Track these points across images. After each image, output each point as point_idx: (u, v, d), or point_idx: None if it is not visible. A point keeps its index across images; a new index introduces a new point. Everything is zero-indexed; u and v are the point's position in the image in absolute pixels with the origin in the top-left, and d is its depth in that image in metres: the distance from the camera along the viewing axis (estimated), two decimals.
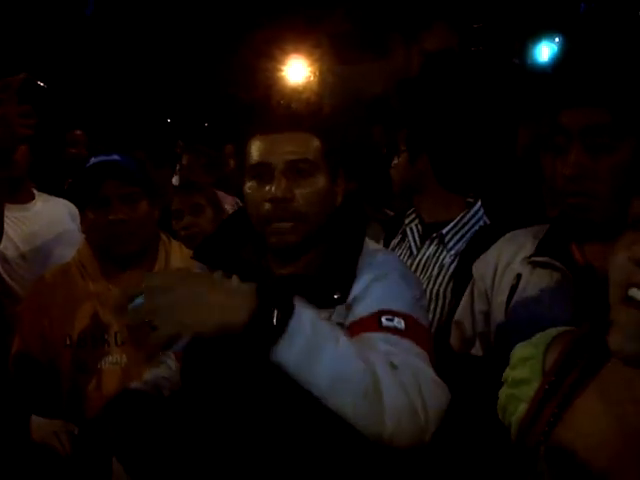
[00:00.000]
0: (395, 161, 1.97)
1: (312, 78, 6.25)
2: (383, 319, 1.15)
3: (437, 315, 1.83)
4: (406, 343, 1.12)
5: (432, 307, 1.83)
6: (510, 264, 1.39)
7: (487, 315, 1.44)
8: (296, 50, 5.86)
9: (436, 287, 1.85)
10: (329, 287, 1.23)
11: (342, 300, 1.22)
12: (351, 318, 1.19)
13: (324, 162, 1.27)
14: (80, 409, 1.64)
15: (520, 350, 0.88)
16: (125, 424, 1.24)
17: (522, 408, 0.82)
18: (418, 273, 1.88)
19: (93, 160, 1.73)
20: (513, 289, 1.35)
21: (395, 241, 2.00)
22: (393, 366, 1.03)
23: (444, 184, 1.92)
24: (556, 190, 1.83)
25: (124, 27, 5.38)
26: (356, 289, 1.23)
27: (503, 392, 0.88)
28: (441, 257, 1.86)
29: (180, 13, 5.75)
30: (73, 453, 1.38)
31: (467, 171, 1.98)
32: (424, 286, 1.85)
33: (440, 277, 1.85)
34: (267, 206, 1.24)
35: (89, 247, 1.78)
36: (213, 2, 5.82)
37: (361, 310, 1.19)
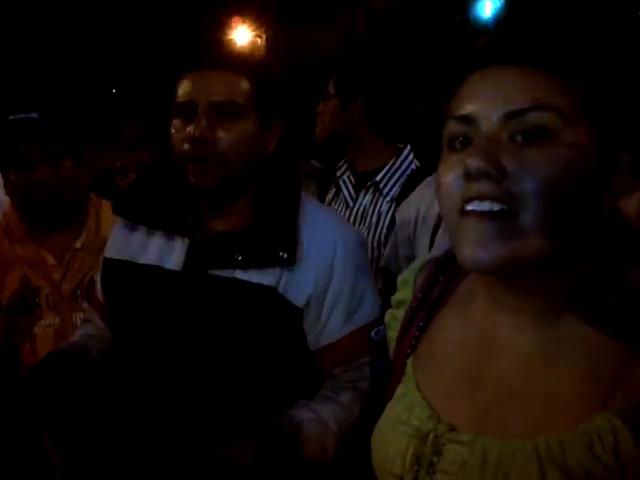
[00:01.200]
0: (320, 107, 1.90)
1: (258, 42, 6.18)
2: (372, 334, 1.25)
3: (382, 262, 1.83)
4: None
5: (375, 255, 1.83)
6: (431, 206, 1.40)
7: (411, 259, 1.45)
8: (241, 14, 5.76)
9: (377, 235, 1.84)
10: (271, 243, 1.21)
11: (290, 261, 1.20)
12: (330, 331, 1.23)
13: (254, 106, 1.23)
14: (16, 374, 1.62)
15: (402, 275, 0.92)
16: (49, 387, 1.21)
17: (398, 325, 0.87)
18: (357, 224, 1.88)
19: (11, 118, 1.67)
20: (436, 228, 1.36)
21: (329, 196, 1.97)
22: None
23: (377, 132, 1.90)
24: None
25: None
26: (314, 268, 1.22)
27: (387, 314, 0.93)
28: (378, 205, 1.85)
29: None
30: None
31: (400, 118, 1.95)
32: (363, 236, 1.86)
33: (380, 225, 1.85)
34: (186, 146, 1.20)
35: (15, 210, 1.73)
36: None
37: (341, 323, 1.24)
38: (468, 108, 0.69)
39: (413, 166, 1.86)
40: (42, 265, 1.69)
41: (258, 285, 1.19)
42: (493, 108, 0.67)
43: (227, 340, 1.20)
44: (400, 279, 0.91)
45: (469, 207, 0.66)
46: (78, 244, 1.70)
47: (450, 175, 0.69)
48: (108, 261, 1.34)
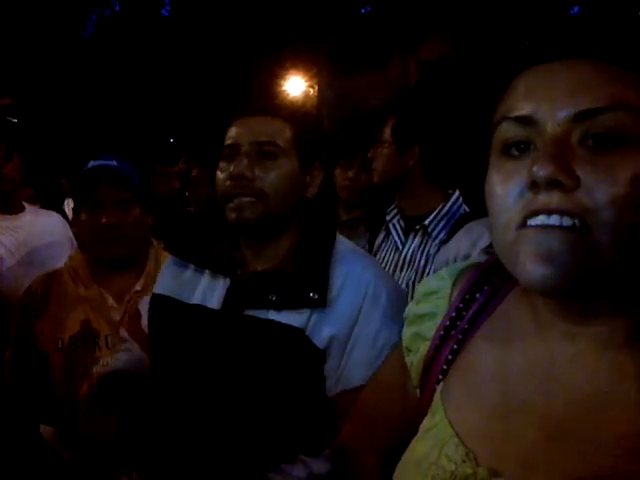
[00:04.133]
0: (373, 152, 1.95)
1: (310, 92, 6.35)
2: None
3: None
4: None
5: None
6: (469, 255, 1.42)
7: None
8: (295, 66, 5.95)
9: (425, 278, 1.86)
10: (303, 284, 1.23)
11: (320, 303, 1.21)
12: (347, 377, 1.20)
13: (295, 150, 1.28)
14: (73, 411, 1.67)
15: (425, 284, 0.80)
16: None
17: (425, 346, 0.75)
18: (405, 267, 1.90)
19: (92, 164, 1.74)
20: None
21: (379, 239, 2.01)
22: None
23: (431, 178, 1.92)
24: None
25: (129, 47, 5.52)
26: (340, 311, 1.21)
27: (405, 332, 0.81)
28: (426, 248, 1.88)
29: (185, 34, 5.88)
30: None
31: (453, 166, 1.97)
32: (412, 279, 1.87)
33: (427, 267, 1.86)
34: (228, 183, 1.26)
35: (81, 253, 1.82)
36: (217, 24, 5.95)
37: (359, 370, 1.19)
38: (527, 108, 0.60)
39: (462, 211, 1.88)
40: (103, 306, 1.75)
41: (288, 326, 1.21)
42: (560, 107, 0.58)
43: (253, 378, 1.23)
44: (424, 289, 0.79)
45: (533, 222, 0.57)
46: (138, 286, 1.76)
47: (507, 185, 0.60)
48: (157, 297, 1.40)
